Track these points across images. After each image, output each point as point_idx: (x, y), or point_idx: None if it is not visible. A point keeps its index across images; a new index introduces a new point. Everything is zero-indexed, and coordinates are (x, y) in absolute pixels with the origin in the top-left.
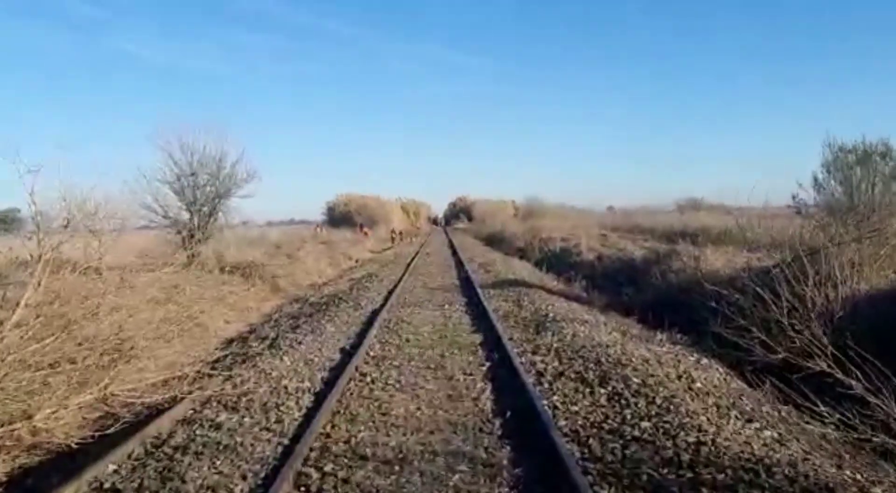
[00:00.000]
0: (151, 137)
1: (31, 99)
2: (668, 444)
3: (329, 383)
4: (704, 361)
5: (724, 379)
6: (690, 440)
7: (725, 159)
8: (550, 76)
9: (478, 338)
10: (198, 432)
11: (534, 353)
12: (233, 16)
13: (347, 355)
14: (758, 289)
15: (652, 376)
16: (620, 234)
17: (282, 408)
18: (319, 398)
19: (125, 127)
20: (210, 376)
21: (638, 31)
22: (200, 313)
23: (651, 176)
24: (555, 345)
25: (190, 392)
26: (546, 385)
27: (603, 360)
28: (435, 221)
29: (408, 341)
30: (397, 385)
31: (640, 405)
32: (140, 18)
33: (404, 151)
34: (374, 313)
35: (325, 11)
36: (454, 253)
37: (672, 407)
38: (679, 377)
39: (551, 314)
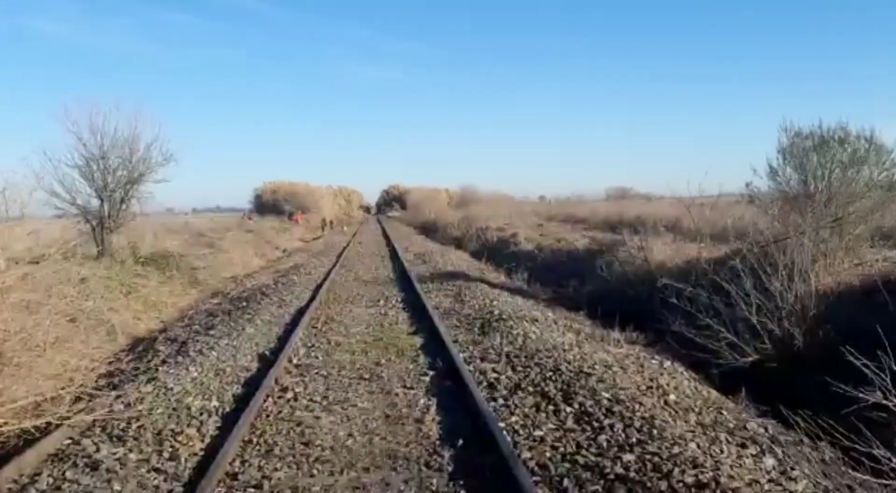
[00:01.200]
0: (58, 118)
1: None
2: (664, 486)
3: (242, 401)
4: (668, 364)
5: (696, 388)
6: (689, 480)
7: (655, 149)
8: (482, 63)
9: (418, 340)
10: (68, 475)
11: (482, 359)
12: None
13: (267, 363)
14: (725, 284)
15: (621, 388)
16: (556, 223)
17: (179, 438)
18: (228, 423)
19: (37, 112)
20: (97, 393)
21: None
22: (108, 310)
23: (580, 165)
24: (505, 349)
25: (67, 417)
26: (501, 401)
27: (563, 367)
28: (367, 209)
29: (338, 344)
30: (324, 403)
31: (616, 429)
32: None
33: (335, 138)
34: (301, 312)
35: None
36: (388, 243)
37: (654, 431)
38: (650, 388)
39: (497, 311)
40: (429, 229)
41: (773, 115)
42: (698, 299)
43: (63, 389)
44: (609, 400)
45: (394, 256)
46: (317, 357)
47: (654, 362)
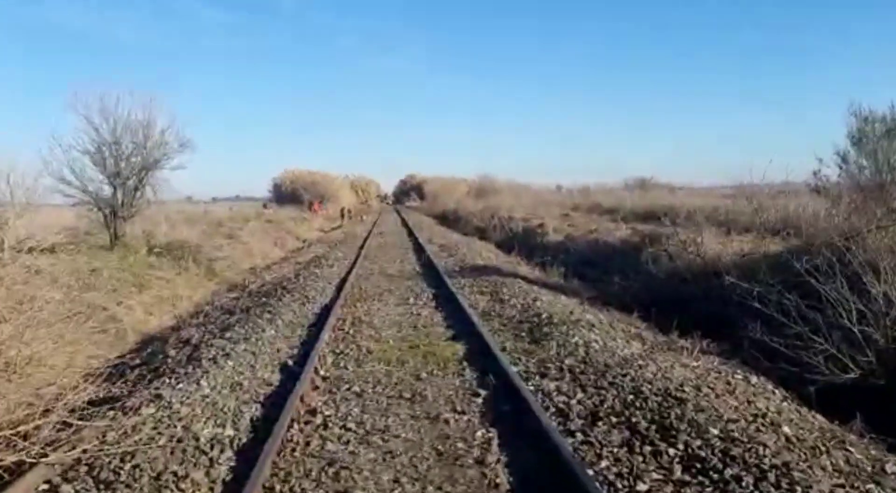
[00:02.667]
0: (70, 104)
1: None
2: None
3: (261, 428)
4: (755, 380)
5: (800, 413)
6: None
7: (673, 140)
8: (497, 54)
9: (460, 348)
10: None
11: (542, 375)
12: None
13: (290, 375)
14: (824, 288)
15: (727, 419)
16: (582, 213)
17: (183, 485)
18: (244, 461)
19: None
20: (90, 413)
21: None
22: (117, 305)
23: (596, 155)
24: (566, 361)
25: (44, 454)
26: (580, 437)
27: (645, 389)
28: (385, 199)
29: (369, 352)
30: (360, 431)
31: (746, 484)
32: None
33: (353, 127)
34: (326, 309)
35: None
36: (410, 233)
37: (798, 489)
38: (756, 417)
39: (544, 313)
40: (449, 219)
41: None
42: (776, 301)
43: (46, 411)
44: (720, 438)
45: (417, 247)
46: (347, 368)
47: (738, 377)
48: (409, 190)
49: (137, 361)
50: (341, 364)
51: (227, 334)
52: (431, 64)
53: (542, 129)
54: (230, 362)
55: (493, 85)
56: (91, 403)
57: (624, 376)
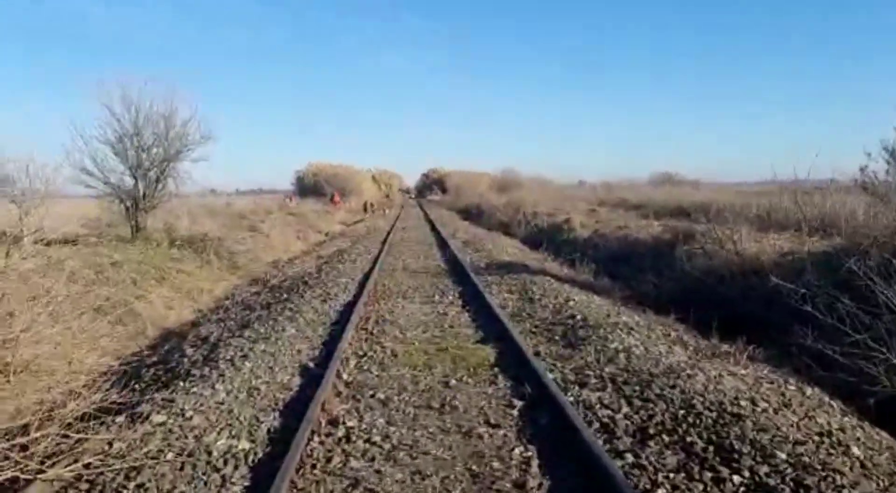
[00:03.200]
0: (93, 93)
1: None
2: None
3: (279, 441)
4: (809, 391)
5: (864, 429)
6: None
7: (698, 136)
8: (519, 50)
9: (490, 351)
10: None
11: (581, 384)
12: None
13: (311, 379)
14: (885, 293)
15: (793, 441)
16: (608, 208)
17: None
18: (259, 479)
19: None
20: (96, 419)
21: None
22: (136, 298)
23: (620, 150)
24: (606, 369)
25: (41, 469)
26: (630, 459)
27: (696, 403)
28: (408, 193)
29: (394, 354)
30: (387, 446)
31: None
32: None
33: (376, 121)
34: (348, 307)
35: None
36: (433, 228)
37: None
38: (821, 436)
39: (578, 314)
40: (472, 214)
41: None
42: (826, 304)
43: (51, 411)
44: (788, 462)
45: (441, 242)
46: (370, 372)
47: (792, 388)
48: (432, 184)
49: (154, 359)
50: (365, 368)
51: (247, 333)
52: (453, 60)
53: (563, 124)
54: (248, 364)
55: (515, 81)
56: (99, 409)
57: (672, 387)
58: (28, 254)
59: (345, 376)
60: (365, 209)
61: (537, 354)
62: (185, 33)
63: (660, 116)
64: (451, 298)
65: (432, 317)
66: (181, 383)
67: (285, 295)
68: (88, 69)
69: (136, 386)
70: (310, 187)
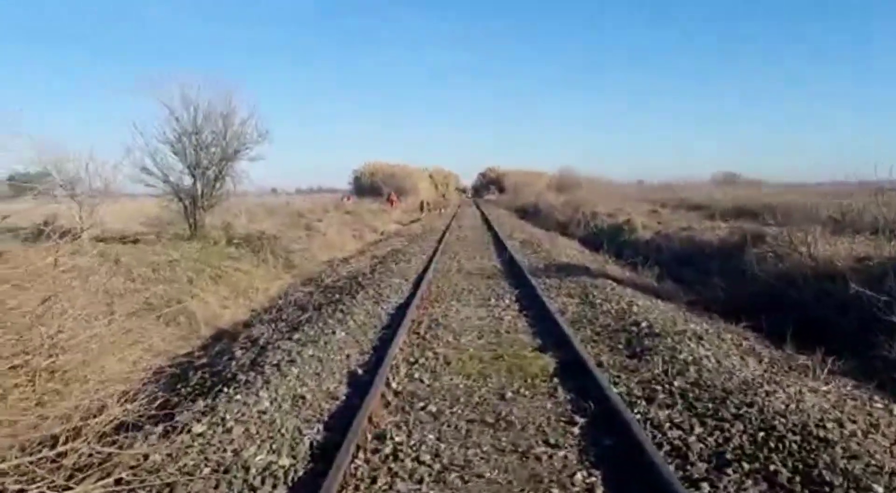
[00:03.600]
0: (153, 91)
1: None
2: None
3: (321, 457)
4: None
5: None
6: None
7: (762, 135)
8: (581, 49)
9: (549, 360)
10: None
11: (648, 399)
12: None
13: (359, 387)
14: None
15: (892, 472)
16: (669, 209)
17: None
18: None
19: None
20: (132, 430)
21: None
22: (191, 297)
23: (681, 150)
24: (675, 383)
25: (67, 486)
26: (706, 490)
27: (777, 424)
28: (464, 192)
29: (447, 362)
30: (436, 466)
31: None
32: None
33: (433, 119)
34: (401, 310)
35: None
36: (489, 228)
37: None
38: None
39: (642, 321)
40: (529, 214)
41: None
42: None
43: (86, 420)
44: None
45: (497, 242)
46: (422, 381)
47: (879, 407)
48: (489, 183)
49: (203, 360)
50: (415, 376)
51: (296, 335)
52: (510, 60)
53: (622, 122)
54: (294, 370)
55: (575, 79)
56: (141, 415)
57: (749, 405)
58: (86, 251)
59: (394, 385)
60: (421, 209)
61: (600, 364)
62: (241, 34)
63: (722, 115)
64: (507, 301)
65: (487, 321)
66: (225, 390)
67: (337, 296)
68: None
69: (182, 390)
70: (367, 187)
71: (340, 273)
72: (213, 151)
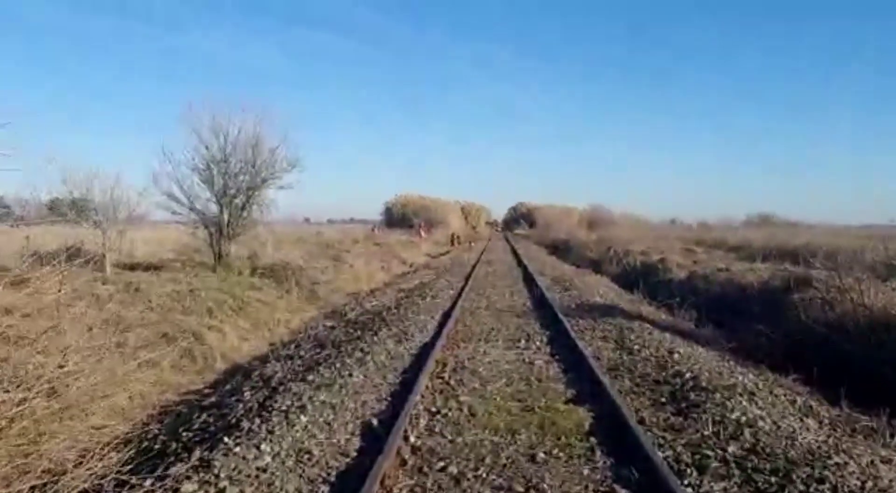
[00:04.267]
0: (183, 118)
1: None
2: None
3: None
4: None
5: None
6: None
7: (797, 175)
8: (613, 87)
9: (584, 415)
10: None
11: (700, 469)
12: (291, 12)
13: (372, 440)
14: None
15: None
16: (704, 249)
17: None
18: None
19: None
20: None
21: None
22: (208, 329)
23: (714, 189)
24: (730, 448)
25: None
26: None
27: None
28: (495, 225)
29: (472, 413)
30: None
31: None
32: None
33: (464, 153)
34: (425, 350)
35: (387, 9)
36: (519, 263)
37: None
38: None
39: (684, 370)
40: (560, 249)
41: None
42: None
43: (80, 462)
44: None
45: (528, 279)
46: (443, 435)
47: None
48: (519, 217)
49: (212, 399)
50: (436, 429)
51: (310, 376)
52: (542, 92)
53: (654, 160)
54: (304, 418)
55: (604, 115)
56: (139, 462)
57: (819, 481)
58: (109, 279)
59: (412, 440)
60: (451, 242)
61: (641, 421)
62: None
63: (757, 154)
64: (537, 343)
65: (517, 366)
66: (225, 440)
67: (359, 332)
68: (180, 96)
69: (183, 434)
70: (398, 218)
71: (365, 307)
72: (241, 180)
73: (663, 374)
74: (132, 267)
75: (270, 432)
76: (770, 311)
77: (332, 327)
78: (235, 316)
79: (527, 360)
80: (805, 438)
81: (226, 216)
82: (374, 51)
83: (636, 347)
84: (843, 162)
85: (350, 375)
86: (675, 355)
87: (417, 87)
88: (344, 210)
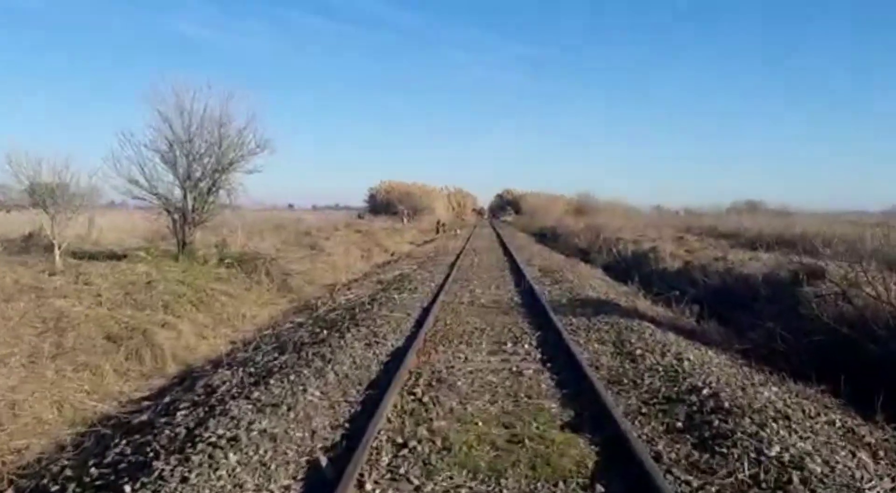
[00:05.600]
0: (146, 97)
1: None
2: None
3: None
4: None
5: None
6: None
7: (782, 160)
8: (598, 73)
9: (585, 448)
10: None
11: None
12: None
13: (319, 488)
14: None
15: None
16: (696, 237)
17: None
18: None
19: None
20: None
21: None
22: (161, 327)
23: (697, 175)
24: None
25: None
26: None
27: None
28: (480, 213)
29: (446, 447)
30: None
31: None
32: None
33: (450, 139)
34: (396, 356)
35: None
36: (506, 252)
37: None
38: None
39: (699, 384)
40: (547, 237)
41: None
42: None
43: None
44: None
45: (514, 269)
46: (408, 480)
47: None
48: (506, 205)
49: (144, 416)
50: (402, 470)
51: (256, 393)
52: (531, 79)
53: (638, 148)
54: (233, 458)
55: (589, 104)
56: None
57: None
58: (59, 269)
59: (368, 487)
60: (437, 229)
61: (658, 458)
62: (278, 53)
63: (739, 139)
64: (526, 346)
65: (502, 376)
66: (128, 488)
67: (325, 333)
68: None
69: (93, 470)
70: (382, 205)
71: (338, 301)
72: (207, 162)
73: (675, 389)
74: (92, 256)
75: (184, 480)
76: (778, 306)
77: (301, 324)
78: (195, 311)
79: (514, 368)
80: (870, 484)
81: (190, 201)
82: (364, 34)
83: (638, 351)
84: (829, 148)
85: (304, 390)
86: (685, 364)
87: (407, 72)
88: (330, 196)
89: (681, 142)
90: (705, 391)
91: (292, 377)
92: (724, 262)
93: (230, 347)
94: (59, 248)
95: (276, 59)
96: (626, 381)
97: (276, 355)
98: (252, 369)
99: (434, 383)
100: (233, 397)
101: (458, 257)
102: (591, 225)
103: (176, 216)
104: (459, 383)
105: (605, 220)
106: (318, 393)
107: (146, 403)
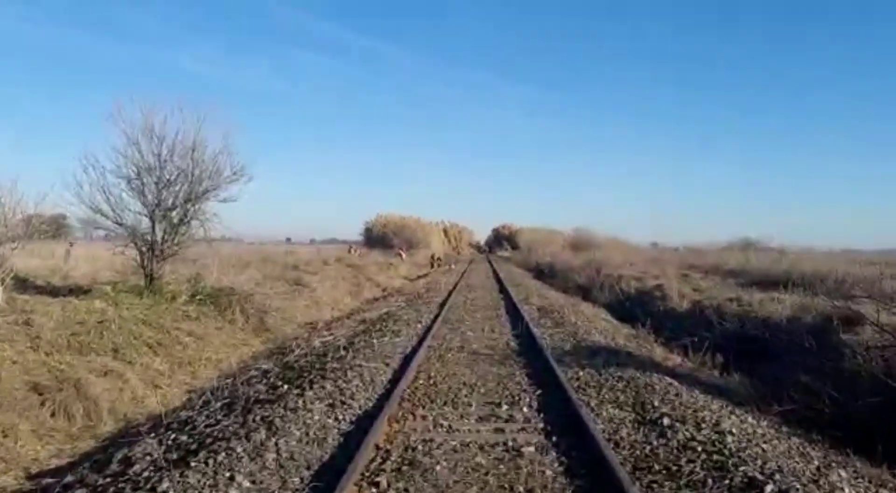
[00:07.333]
0: (112, 118)
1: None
2: None
3: None
4: None
5: None
6: None
7: (779, 198)
8: (594, 111)
9: None
10: None
11: None
12: (284, 34)
13: None
14: None
15: None
16: (701, 274)
17: None
18: None
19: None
20: None
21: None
22: (103, 375)
23: (695, 213)
24: None
25: None
26: None
27: None
28: (478, 248)
29: None
30: None
31: None
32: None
33: (448, 174)
34: (363, 423)
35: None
36: (502, 289)
37: None
38: None
39: (755, 472)
40: (545, 273)
41: None
42: None
43: None
44: None
45: (511, 308)
46: None
47: None
48: (502, 239)
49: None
50: None
51: (165, 485)
52: (529, 117)
53: (635, 185)
54: None
55: (585, 139)
56: None
57: None
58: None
59: None
60: (431, 264)
61: None
62: (280, 90)
63: (742, 180)
64: (525, 410)
65: (495, 457)
66: None
67: (285, 387)
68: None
69: None
70: (378, 238)
71: (313, 344)
72: (178, 190)
73: (727, 483)
74: (52, 292)
75: None
76: (810, 356)
77: (265, 373)
78: (152, 354)
79: (510, 443)
80: None
81: (159, 232)
82: (365, 74)
83: (666, 420)
84: (824, 185)
85: (231, 478)
86: (728, 438)
87: (407, 109)
88: (328, 231)
89: (678, 182)
90: (770, 489)
91: (220, 457)
92: (739, 302)
93: (186, 397)
94: (3, 283)
95: (276, 96)
96: (657, 467)
97: (220, 416)
98: (184, 438)
99: (405, 466)
100: (138, 487)
101: (450, 294)
102: (591, 261)
103: (144, 248)
104: (438, 467)
105: (608, 256)
106: (247, 483)
107: (49, 480)
